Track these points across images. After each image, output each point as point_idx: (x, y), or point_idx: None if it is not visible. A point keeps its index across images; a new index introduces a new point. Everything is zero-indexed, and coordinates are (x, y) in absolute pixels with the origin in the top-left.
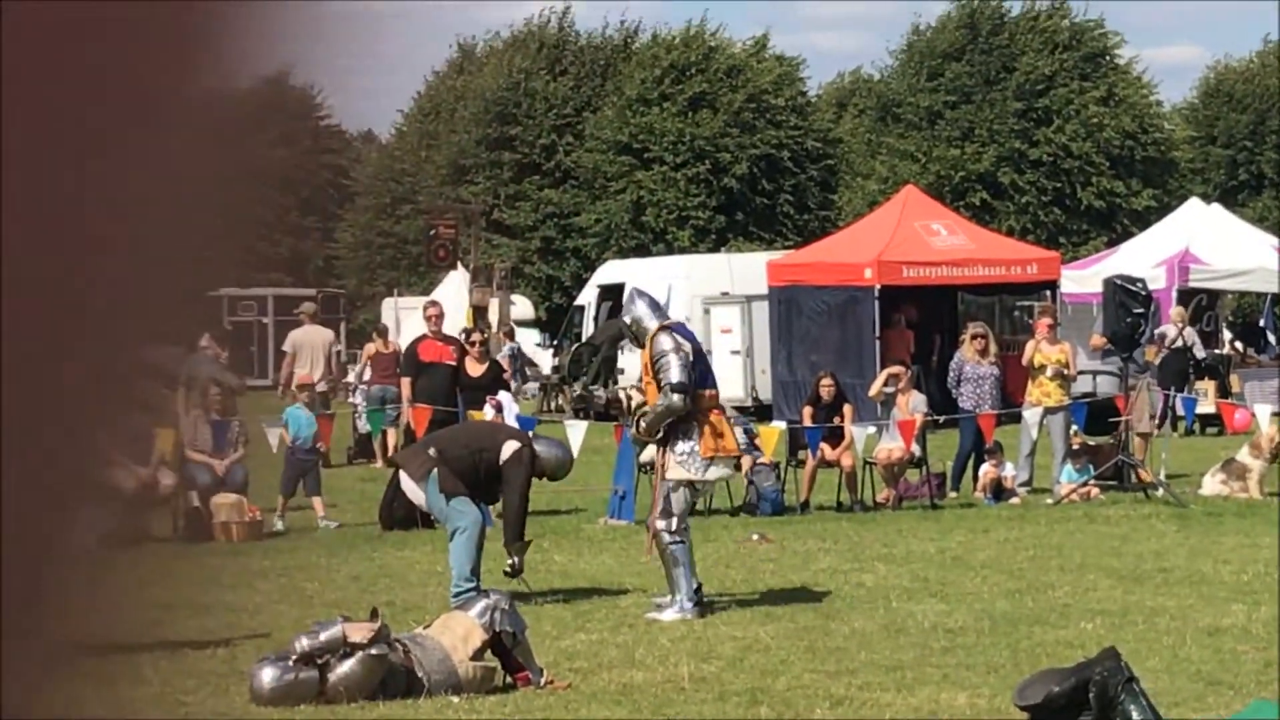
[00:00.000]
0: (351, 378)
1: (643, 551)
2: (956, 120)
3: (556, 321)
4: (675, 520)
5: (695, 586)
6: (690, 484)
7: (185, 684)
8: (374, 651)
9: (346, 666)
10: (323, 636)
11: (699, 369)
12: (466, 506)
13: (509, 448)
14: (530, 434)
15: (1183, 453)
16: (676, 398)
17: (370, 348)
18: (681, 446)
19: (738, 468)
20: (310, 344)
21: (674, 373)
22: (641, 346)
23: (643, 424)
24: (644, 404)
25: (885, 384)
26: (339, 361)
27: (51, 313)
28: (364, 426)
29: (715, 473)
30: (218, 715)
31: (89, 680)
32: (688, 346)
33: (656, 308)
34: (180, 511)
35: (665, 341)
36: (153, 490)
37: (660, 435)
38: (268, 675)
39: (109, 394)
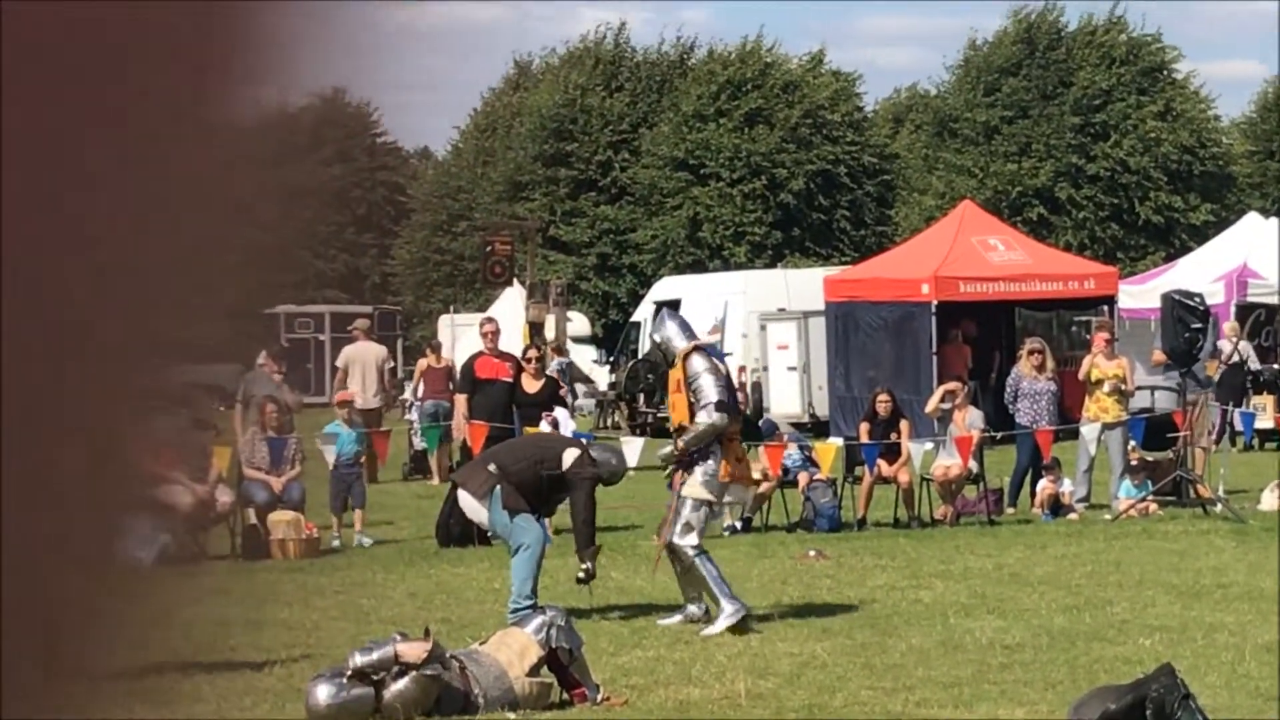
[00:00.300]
0: (407, 394)
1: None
2: (1014, 135)
3: (613, 338)
4: (696, 536)
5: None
6: (709, 504)
7: (242, 701)
8: (428, 671)
9: (401, 684)
10: (375, 655)
11: (729, 394)
12: (529, 524)
13: (569, 455)
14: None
15: (1241, 468)
16: (718, 416)
17: (423, 363)
18: (703, 467)
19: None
20: (362, 360)
21: (713, 392)
22: (670, 366)
23: (681, 442)
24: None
25: (941, 400)
26: (393, 378)
27: (59, 320)
28: (420, 443)
29: (731, 496)
30: None
31: (145, 699)
32: (722, 368)
33: (686, 328)
34: (237, 529)
35: (700, 362)
36: (210, 508)
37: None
38: (323, 692)
39: (119, 407)
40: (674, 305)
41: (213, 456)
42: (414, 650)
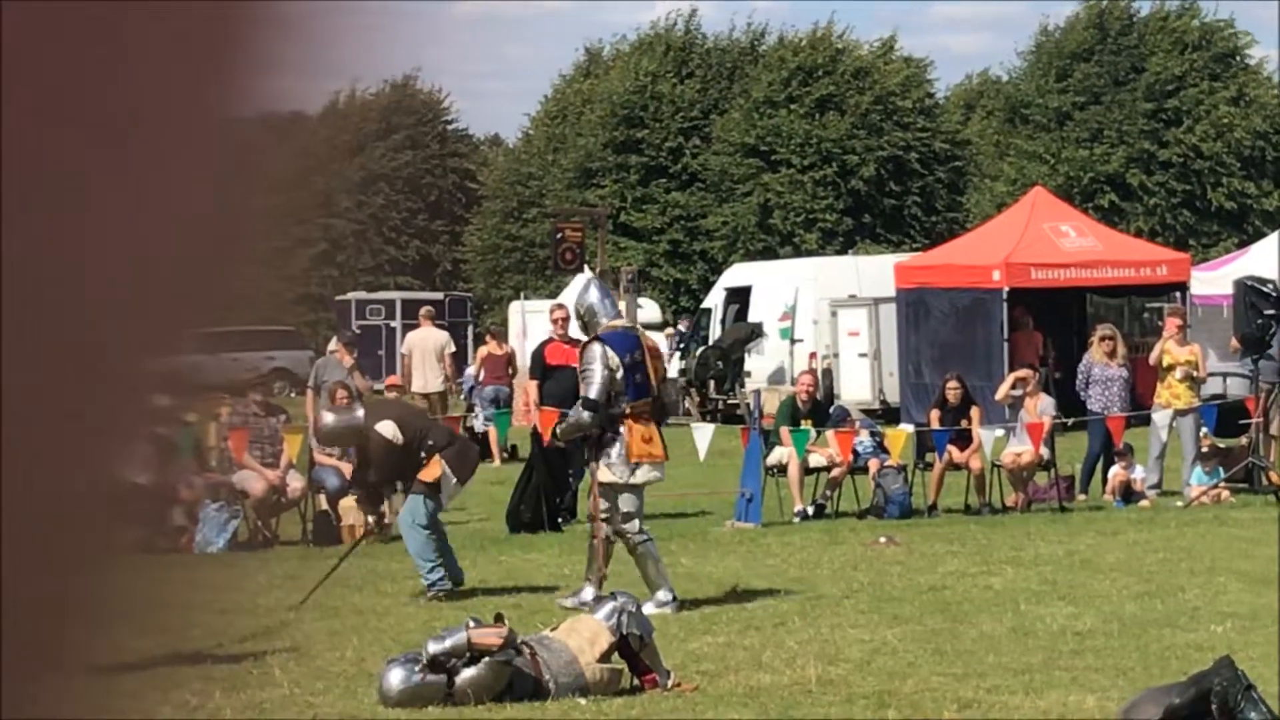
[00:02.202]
0: (464, 379)
1: (767, 555)
2: (1085, 121)
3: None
4: (637, 521)
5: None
6: (632, 486)
7: (314, 685)
8: (500, 657)
9: (473, 671)
10: (449, 642)
11: (633, 380)
12: None
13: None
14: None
15: None
16: (586, 415)
17: (484, 350)
18: (610, 452)
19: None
20: (423, 346)
21: (591, 389)
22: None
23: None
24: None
25: (1013, 387)
26: (455, 363)
27: (57, 320)
28: (481, 426)
29: (642, 475)
30: (346, 717)
31: (219, 683)
32: (615, 361)
33: (606, 304)
34: (309, 515)
35: (594, 353)
36: (282, 493)
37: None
38: (396, 677)
39: (118, 402)
40: (745, 292)
41: (284, 442)
42: (487, 637)
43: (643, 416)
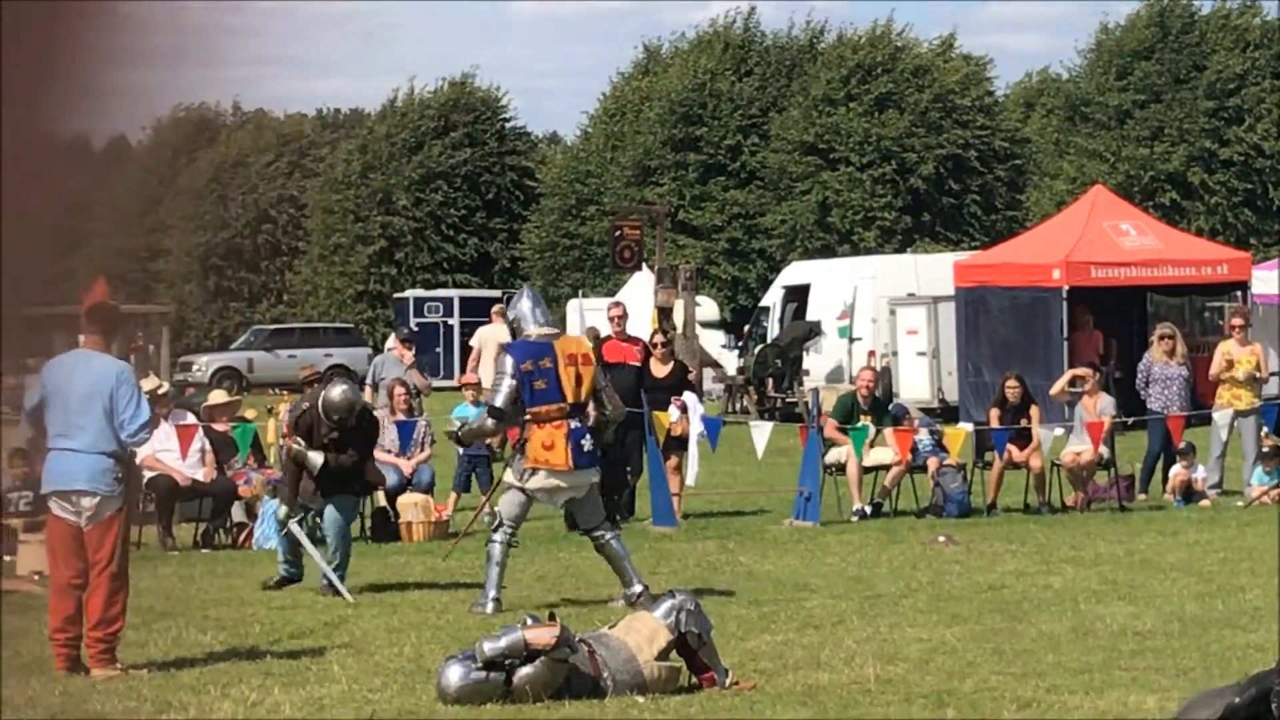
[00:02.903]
0: None
1: (825, 553)
2: (1146, 120)
3: (742, 322)
4: (497, 520)
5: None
6: (522, 490)
7: (372, 682)
8: (556, 655)
9: (530, 668)
10: (504, 642)
11: (530, 386)
12: None
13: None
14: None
15: None
16: (490, 422)
17: None
18: (521, 455)
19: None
20: (495, 341)
21: (498, 397)
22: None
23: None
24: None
25: (1070, 384)
26: None
27: None
28: None
29: (535, 482)
30: (404, 713)
31: (277, 679)
32: (511, 367)
33: (536, 310)
34: (367, 511)
35: (504, 364)
36: None
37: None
38: (454, 674)
39: None
40: (803, 290)
41: None
42: (542, 636)
43: (549, 422)
